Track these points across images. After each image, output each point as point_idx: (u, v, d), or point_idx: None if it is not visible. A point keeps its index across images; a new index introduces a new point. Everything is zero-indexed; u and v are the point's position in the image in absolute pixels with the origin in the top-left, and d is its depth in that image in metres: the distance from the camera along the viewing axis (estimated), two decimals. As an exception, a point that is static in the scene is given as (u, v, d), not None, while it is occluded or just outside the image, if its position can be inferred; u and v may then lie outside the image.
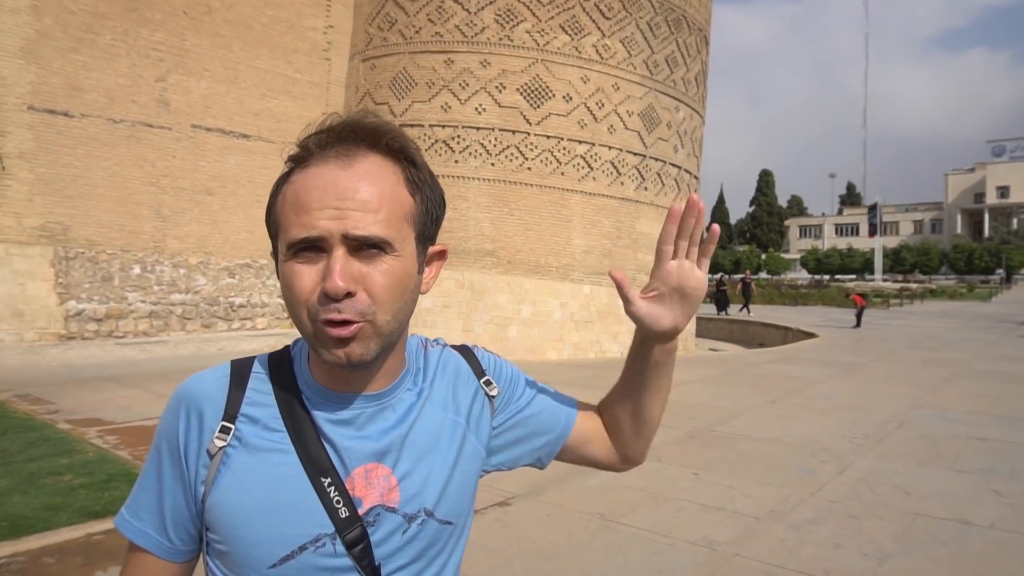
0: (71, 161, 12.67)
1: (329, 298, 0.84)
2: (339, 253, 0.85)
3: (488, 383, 1.12)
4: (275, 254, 0.95)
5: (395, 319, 0.90)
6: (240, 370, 0.99)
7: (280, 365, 1.01)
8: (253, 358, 1.03)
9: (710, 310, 26.69)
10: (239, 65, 14.85)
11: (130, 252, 13.46)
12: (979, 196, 78.40)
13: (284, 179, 0.95)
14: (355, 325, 0.85)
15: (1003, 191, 75.66)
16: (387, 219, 0.87)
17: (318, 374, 0.97)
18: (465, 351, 1.16)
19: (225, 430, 0.93)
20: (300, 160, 0.92)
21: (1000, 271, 56.81)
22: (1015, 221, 72.87)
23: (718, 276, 40.61)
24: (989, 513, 4.84)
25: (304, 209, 0.86)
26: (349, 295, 0.85)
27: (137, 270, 13.49)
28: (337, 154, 0.88)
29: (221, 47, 14.54)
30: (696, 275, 0.99)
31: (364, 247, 0.86)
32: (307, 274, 0.86)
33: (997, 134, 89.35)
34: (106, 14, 13.00)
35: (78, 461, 5.72)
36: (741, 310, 27.89)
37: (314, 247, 0.86)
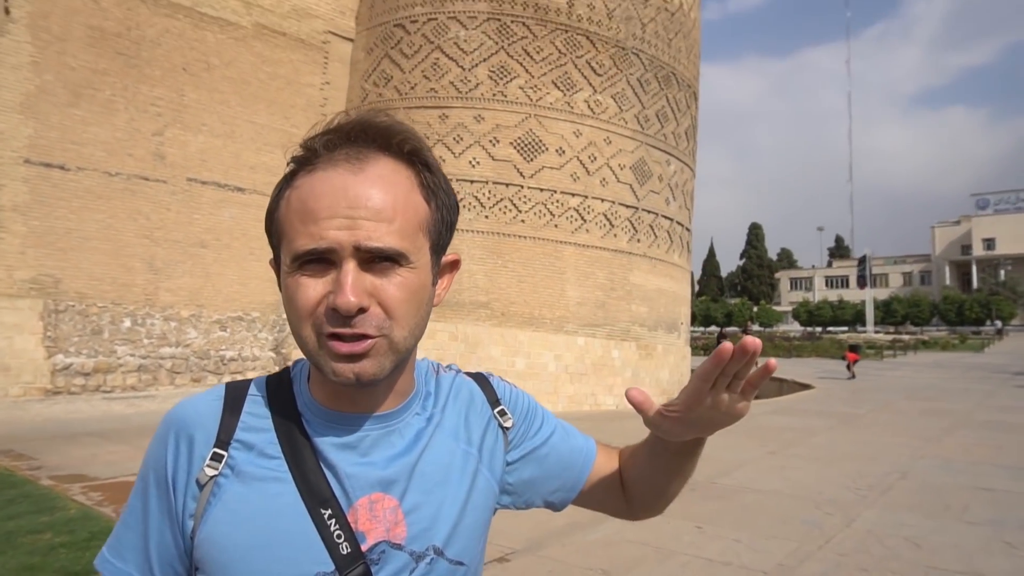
0: (65, 214, 12.67)
1: (340, 314, 0.77)
2: (350, 266, 0.78)
3: (503, 413, 1.04)
4: (276, 264, 0.88)
5: (411, 335, 0.84)
6: (235, 393, 0.92)
7: (279, 387, 0.93)
8: (250, 380, 0.95)
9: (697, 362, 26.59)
10: (236, 120, 15.06)
11: (121, 305, 13.34)
12: (966, 248, 79.45)
13: (287, 182, 0.86)
14: (370, 340, 0.79)
15: (989, 243, 76.75)
16: (402, 229, 0.81)
17: (320, 394, 0.89)
18: (480, 379, 1.09)
19: (217, 457, 0.85)
20: (305, 162, 0.84)
21: (998, 322, 57.21)
22: (1002, 272, 73.67)
23: (718, 329, 40.42)
24: (1003, 566, 4.69)
25: (312, 218, 0.79)
26: (362, 311, 0.78)
27: (128, 323, 13.34)
28: (347, 156, 0.81)
29: (219, 102, 14.76)
30: (737, 408, 0.85)
31: (377, 259, 0.79)
32: (313, 287, 0.79)
33: (980, 187, 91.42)
34: (107, 70, 13.22)
35: (59, 519, 5.50)
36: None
37: (322, 259, 0.79)
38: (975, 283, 74.22)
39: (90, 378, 12.74)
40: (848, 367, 21.56)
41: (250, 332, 15.24)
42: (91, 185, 13.02)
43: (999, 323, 57.49)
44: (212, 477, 0.84)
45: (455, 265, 0.97)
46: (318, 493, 0.84)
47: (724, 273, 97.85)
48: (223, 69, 14.84)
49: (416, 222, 0.83)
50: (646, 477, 1.08)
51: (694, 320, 62.93)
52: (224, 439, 0.86)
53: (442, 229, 0.89)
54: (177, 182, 14.06)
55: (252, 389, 0.93)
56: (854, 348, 23.49)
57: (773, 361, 0.84)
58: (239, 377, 15.00)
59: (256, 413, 0.89)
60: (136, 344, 13.42)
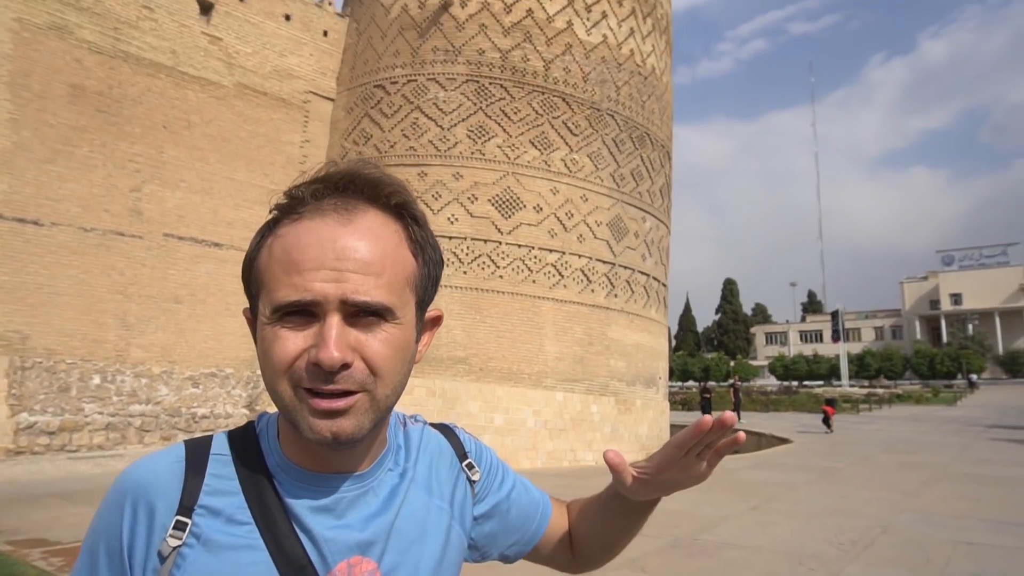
0: (37, 269, 12.49)
1: (321, 369, 0.74)
2: (335, 320, 0.75)
3: (470, 466, 1.04)
4: (252, 314, 0.84)
5: (394, 392, 0.82)
6: (196, 452, 0.85)
7: (244, 445, 0.87)
8: (210, 437, 0.89)
9: (684, 418, 26.51)
10: (215, 176, 15.12)
11: (91, 362, 13.05)
12: (934, 303, 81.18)
13: (270, 230, 0.83)
14: (352, 397, 0.76)
15: (956, 298, 78.55)
16: (389, 283, 0.79)
17: (292, 453, 0.85)
18: (446, 430, 1.09)
19: (180, 526, 0.78)
20: (290, 210, 0.81)
21: (973, 376, 58.14)
22: (971, 327, 75.21)
23: (702, 384, 39.71)
24: (988, 621, 4.64)
25: (296, 268, 0.76)
26: (345, 366, 0.75)
27: (97, 380, 13.03)
28: (335, 207, 0.79)
29: (198, 159, 14.85)
30: (700, 471, 0.91)
31: (362, 314, 0.77)
32: (293, 340, 0.76)
33: (944, 244, 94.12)
34: (86, 127, 13.27)
35: (16, 586, 5.25)
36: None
37: (305, 311, 0.76)
38: (945, 337, 75.60)
39: (55, 437, 12.34)
40: (825, 420, 21.60)
41: (223, 389, 14.95)
42: (65, 240, 12.90)
43: (975, 376, 58.44)
44: (175, 548, 0.78)
45: (437, 321, 0.96)
46: (294, 560, 0.79)
47: (700, 328, 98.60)
48: (203, 127, 14.98)
49: (403, 277, 0.82)
50: (597, 532, 1.09)
51: (671, 375, 63.02)
52: (188, 505, 0.80)
53: (428, 284, 0.89)
54: (153, 237, 13.99)
55: (215, 447, 0.86)
56: (830, 402, 23.61)
57: (742, 434, 0.92)
58: (210, 436, 14.64)
59: (221, 474, 0.83)
60: (105, 402, 13.07)
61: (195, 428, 14.35)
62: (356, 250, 0.77)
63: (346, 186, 0.81)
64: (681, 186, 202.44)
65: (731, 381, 31.15)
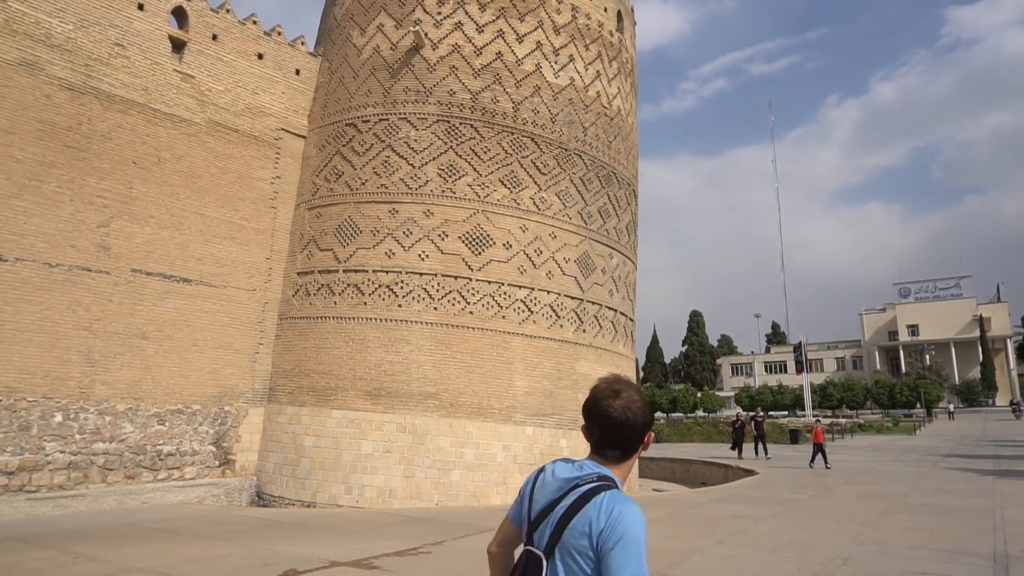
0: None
1: None
2: None
3: None
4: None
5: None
6: None
7: None
8: None
9: (654, 451, 26.65)
10: (185, 212, 15.12)
11: (53, 399, 12.81)
12: (892, 334, 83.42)
13: None
14: None
15: (913, 329, 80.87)
16: None
17: None
18: None
19: None
20: None
21: (950, 406, 60.06)
22: (928, 357, 77.33)
23: (735, 413, 37.87)
24: (938, 649, 4.87)
25: None
26: None
27: (59, 418, 12.78)
28: None
29: (168, 195, 14.85)
30: None
31: None
32: None
33: (901, 277, 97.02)
34: (54, 163, 13.22)
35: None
36: (757, 450, 24.81)
37: None
38: (903, 367, 77.52)
39: (14, 477, 12.03)
40: (821, 453, 20.47)
41: (190, 426, 14.75)
42: (28, 276, 12.75)
43: (951, 406, 60.35)
44: None
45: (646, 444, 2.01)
46: None
47: (667, 359, 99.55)
48: (174, 163, 15.02)
49: None
50: None
51: (640, 407, 63.35)
52: None
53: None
54: (121, 273, 13.89)
55: None
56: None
57: None
58: (176, 473, 14.41)
59: None
60: (67, 440, 12.81)
61: (160, 466, 14.12)
62: None
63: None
64: (648, 220, 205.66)
65: (751, 413, 29.10)
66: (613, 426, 1.98)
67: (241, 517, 10.86)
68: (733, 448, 25.57)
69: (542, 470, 2.11)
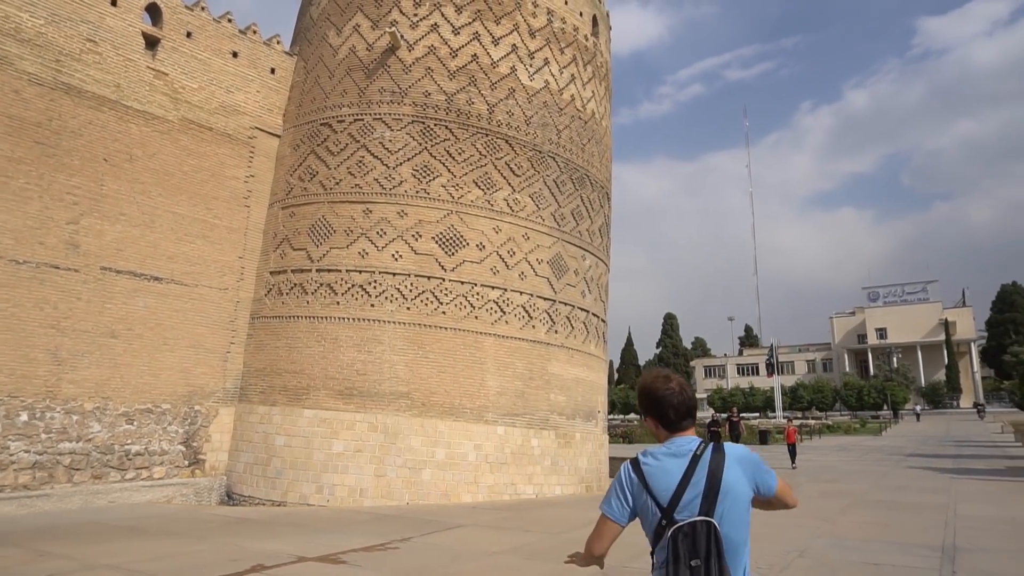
0: (-35, 303, 12.15)
1: None
2: None
3: None
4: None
5: None
6: None
7: None
8: None
9: (627, 451, 26.93)
10: (157, 210, 15.03)
11: (18, 398, 12.67)
12: (861, 337, 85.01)
13: None
14: None
15: (881, 332, 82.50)
16: None
17: None
18: None
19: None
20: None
21: (918, 407, 61.46)
22: (895, 360, 78.94)
23: (711, 414, 39.59)
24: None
25: None
26: None
27: (24, 417, 12.65)
28: None
29: (140, 193, 14.76)
30: None
31: None
32: None
33: (871, 281, 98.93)
34: (23, 159, 13.09)
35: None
36: None
37: None
38: (871, 370, 79.05)
39: (-23, 478, 11.89)
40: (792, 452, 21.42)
41: (159, 425, 14.67)
42: (-5, 273, 12.59)
43: (918, 408, 61.67)
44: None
45: (648, 420, 2.44)
46: None
47: (642, 361, 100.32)
48: (146, 160, 14.93)
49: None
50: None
51: (614, 408, 63.76)
52: None
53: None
54: (90, 271, 13.78)
55: None
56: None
57: None
58: (145, 473, 14.31)
59: None
60: (32, 439, 12.68)
61: (128, 466, 14.02)
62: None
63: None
64: (624, 223, 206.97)
65: (727, 414, 30.14)
66: (680, 401, 2.43)
67: (210, 515, 10.86)
68: None
69: (636, 468, 2.36)
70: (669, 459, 2.32)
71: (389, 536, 8.78)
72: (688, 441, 2.38)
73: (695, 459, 2.31)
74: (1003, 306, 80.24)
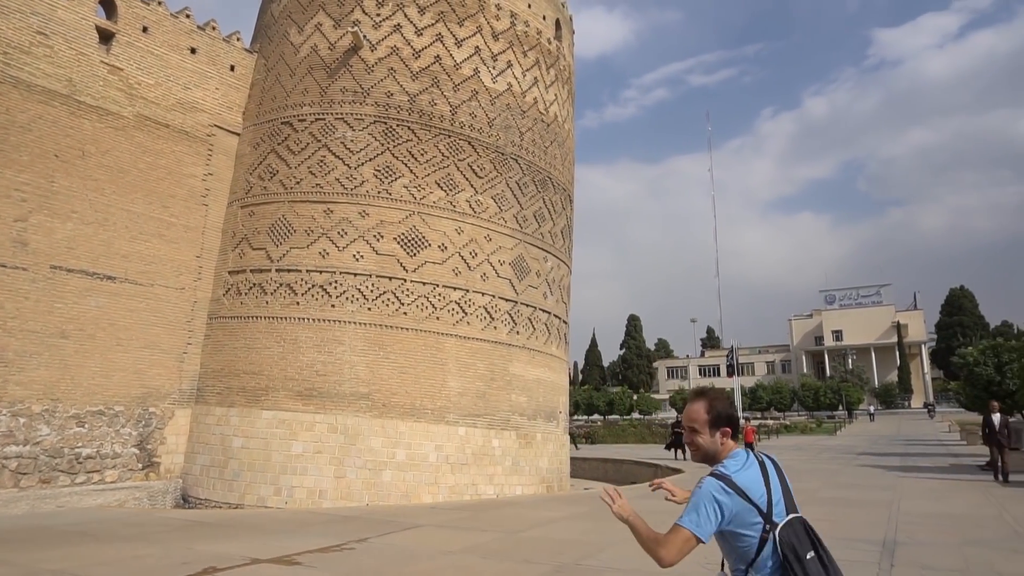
0: (-95, 302, 11.74)
1: None
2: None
3: None
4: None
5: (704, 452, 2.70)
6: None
7: None
8: None
9: (594, 452, 27.15)
10: (110, 208, 14.72)
11: (-38, 400, 12.28)
12: (819, 339, 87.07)
13: None
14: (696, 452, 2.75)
15: (837, 334, 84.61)
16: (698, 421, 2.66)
17: None
18: None
19: None
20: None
21: (872, 408, 63.31)
22: (850, 361, 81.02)
23: (676, 416, 40.74)
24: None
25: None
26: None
27: (-32, 420, 12.26)
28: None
29: (92, 190, 14.43)
30: None
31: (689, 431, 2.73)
32: None
33: (828, 285, 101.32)
34: (-32, 154, 12.70)
35: None
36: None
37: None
38: (828, 371, 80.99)
39: (-83, 483, 11.49)
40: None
41: (112, 427, 14.35)
42: (-61, 271, 12.21)
43: (872, 408, 63.39)
44: None
45: (725, 432, 2.58)
46: None
47: (606, 363, 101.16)
48: (99, 157, 14.61)
49: (703, 419, 2.61)
50: None
51: (577, 409, 64.14)
52: None
53: (715, 419, 2.60)
54: (39, 269, 13.43)
55: None
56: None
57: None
58: (96, 477, 13.99)
59: None
60: (-23, 443, 12.30)
61: (79, 470, 13.69)
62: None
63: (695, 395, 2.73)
64: (589, 225, 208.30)
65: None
66: (737, 417, 2.83)
67: (163, 519, 10.68)
68: (668, 448, 26.31)
69: (731, 484, 2.47)
70: (749, 469, 2.50)
71: (346, 537, 8.76)
72: (743, 452, 2.59)
73: (762, 466, 2.55)
74: (952, 309, 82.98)
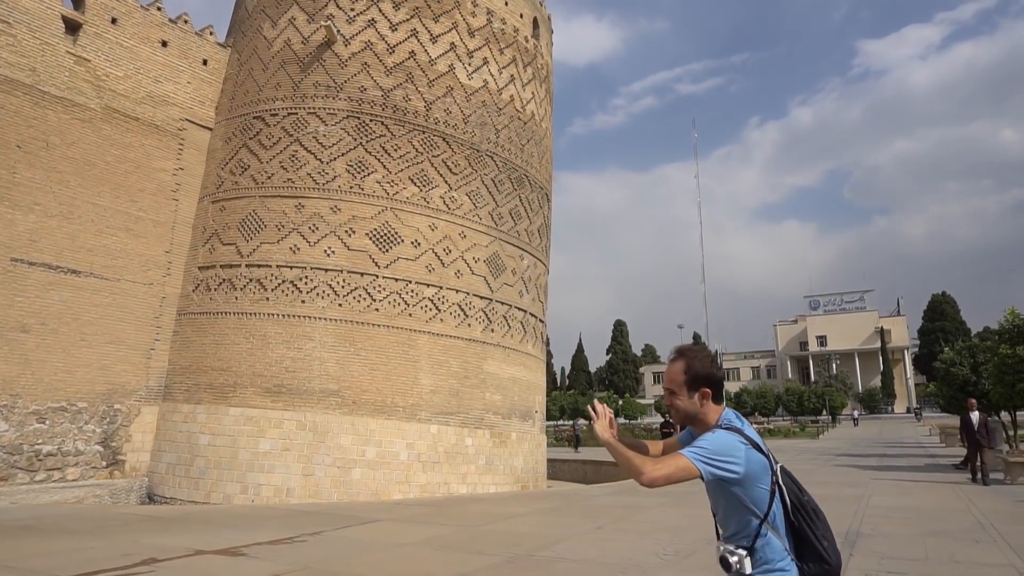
0: None
1: None
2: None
3: None
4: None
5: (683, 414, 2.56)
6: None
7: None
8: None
9: (562, 453, 27.00)
10: (76, 200, 14.47)
11: (-83, 395, 11.99)
12: (803, 344, 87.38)
13: None
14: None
15: (822, 340, 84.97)
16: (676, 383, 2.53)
17: None
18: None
19: None
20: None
21: (856, 413, 63.38)
22: (834, 366, 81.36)
23: (663, 419, 40.91)
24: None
25: None
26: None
27: (-78, 415, 11.96)
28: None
29: (57, 182, 14.18)
30: None
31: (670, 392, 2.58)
32: None
33: (812, 290, 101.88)
34: (-73, 143, 12.45)
35: None
36: None
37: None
38: (812, 376, 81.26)
39: None
40: None
41: (74, 424, 14.07)
42: None
43: (856, 412, 63.48)
44: None
45: (704, 393, 2.46)
46: None
47: (592, 368, 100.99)
48: (64, 149, 14.37)
49: (680, 380, 2.49)
50: None
51: (563, 413, 63.98)
52: None
53: (692, 380, 2.48)
54: (-1, 262, 13.15)
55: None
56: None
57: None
58: (57, 474, 13.69)
59: None
60: (-69, 439, 12.00)
61: (38, 467, 13.39)
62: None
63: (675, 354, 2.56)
64: (577, 232, 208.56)
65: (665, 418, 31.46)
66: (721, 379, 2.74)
67: (118, 514, 10.43)
68: None
69: (743, 435, 2.40)
70: (745, 423, 2.48)
71: (300, 530, 8.57)
72: (732, 410, 2.56)
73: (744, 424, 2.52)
74: (934, 315, 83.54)
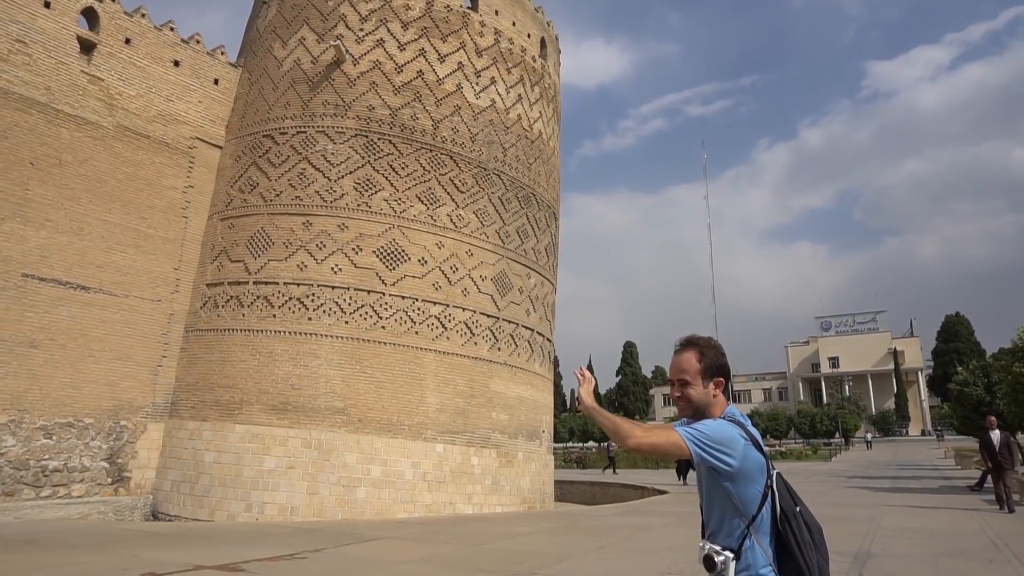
0: None
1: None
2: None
3: None
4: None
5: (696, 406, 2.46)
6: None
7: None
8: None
9: (586, 475, 26.70)
10: (86, 217, 14.61)
11: (-75, 409, 12.04)
12: (815, 366, 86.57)
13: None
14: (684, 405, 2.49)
15: (834, 361, 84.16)
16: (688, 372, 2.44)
17: None
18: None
19: None
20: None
21: (869, 435, 62.64)
22: (847, 388, 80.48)
23: None
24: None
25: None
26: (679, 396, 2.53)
27: (-71, 429, 12.00)
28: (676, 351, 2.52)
29: (68, 199, 14.34)
30: None
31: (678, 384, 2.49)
32: None
33: (824, 312, 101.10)
34: (-59, 161, 12.63)
35: None
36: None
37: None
38: (825, 398, 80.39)
39: None
40: None
41: (81, 440, 14.07)
42: (-94, 278, 12.05)
43: (869, 435, 62.68)
44: None
45: (719, 383, 2.39)
46: None
47: (603, 389, 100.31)
48: (77, 166, 14.54)
49: (695, 370, 2.42)
50: None
51: (572, 435, 63.49)
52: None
53: (708, 371, 2.42)
54: (10, 277, 13.27)
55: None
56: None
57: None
58: (63, 490, 13.66)
59: None
60: (-63, 454, 12.03)
61: (44, 483, 13.38)
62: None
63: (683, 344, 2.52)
64: (587, 253, 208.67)
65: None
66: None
67: (119, 529, 10.39)
68: (679, 474, 25.58)
69: (744, 428, 2.36)
70: (748, 421, 2.41)
71: (301, 547, 8.48)
72: (734, 407, 2.51)
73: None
74: (948, 336, 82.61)
